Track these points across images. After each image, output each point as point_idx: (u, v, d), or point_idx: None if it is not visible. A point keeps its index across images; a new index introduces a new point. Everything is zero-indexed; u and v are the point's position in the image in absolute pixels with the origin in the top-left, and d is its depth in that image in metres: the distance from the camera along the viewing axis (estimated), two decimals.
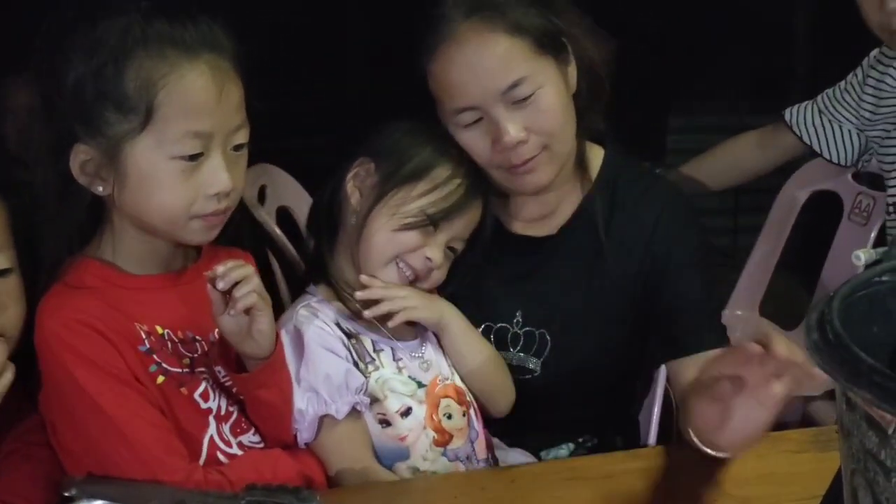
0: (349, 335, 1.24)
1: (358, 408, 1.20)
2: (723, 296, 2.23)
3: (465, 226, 1.29)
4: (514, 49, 1.24)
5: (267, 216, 1.86)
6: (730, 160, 1.83)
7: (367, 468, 1.19)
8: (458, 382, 1.30)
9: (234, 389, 1.17)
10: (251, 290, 1.06)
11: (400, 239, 1.24)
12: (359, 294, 1.23)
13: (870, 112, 1.65)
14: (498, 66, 1.23)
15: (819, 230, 2.38)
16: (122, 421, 1.04)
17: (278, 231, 1.84)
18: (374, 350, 1.25)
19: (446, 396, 1.28)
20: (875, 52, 1.65)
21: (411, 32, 1.30)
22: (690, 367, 1.28)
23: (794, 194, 2.30)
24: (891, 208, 1.58)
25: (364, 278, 1.24)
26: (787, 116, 1.76)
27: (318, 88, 2.88)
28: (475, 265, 1.36)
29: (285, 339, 1.20)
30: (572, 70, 1.31)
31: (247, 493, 0.91)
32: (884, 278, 0.77)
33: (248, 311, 1.07)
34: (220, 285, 1.06)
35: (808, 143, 1.74)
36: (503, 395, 1.34)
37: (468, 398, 1.30)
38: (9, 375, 0.99)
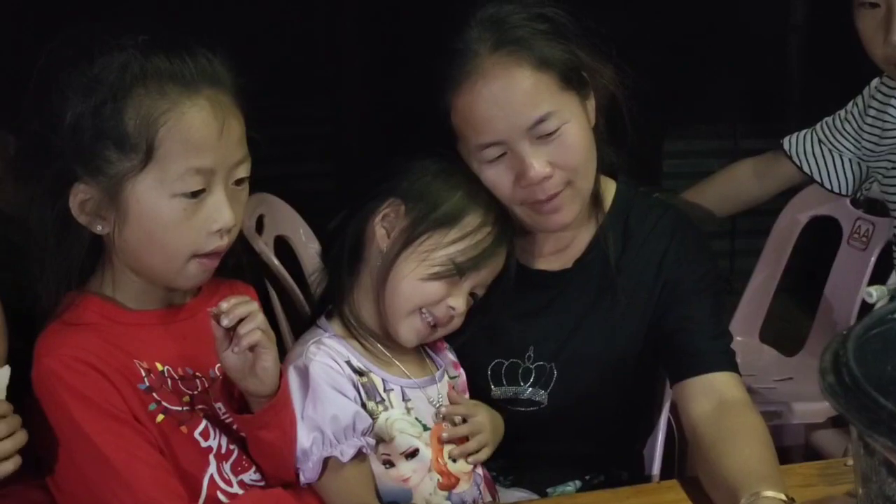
0: (360, 373, 1.22)
1: (364, 450, 1.17)
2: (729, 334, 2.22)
3: (490, 273, 1.27)
4: (541, 84, 1.22)
5: (265, 247, 1.85)
6: (728, 189, 1.82)
7: None
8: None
9: (235, 427, 1.15)
10: (255, 326, 1.05)
11: (427, 289, 1.22)
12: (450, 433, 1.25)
13: (872, 143, 1.64)
14: (525, 101, 1.22)
15: (818, 254, 2.38)
16: (120, 462, 1.02)
17: (277, 262, 1.83)
18: (385, 390, 1.23)
19: (449, 442, 1.26)
20: (875, 81, 1.65)
21: (431, 69, 1.28)
22: (698, 390, 1.27)
23: (794, 218, 2.30)
24: None
25: (448, 411, 1.25)
26: (786, 146, 1.75)
27: (314, 115, 2.88)
28: (492, 307, 1.34)
29: (292, 374, 1.18)
30: (591, 104, 1.30)
31: None
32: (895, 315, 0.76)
33: (252, 348, 1.05)
34: (225, 322, 1.04)
35: (808, 172, 1.73)
36: None
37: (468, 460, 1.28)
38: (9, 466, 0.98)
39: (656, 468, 1.47)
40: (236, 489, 1.12)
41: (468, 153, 1.27)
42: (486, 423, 1.28)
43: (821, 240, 2.38)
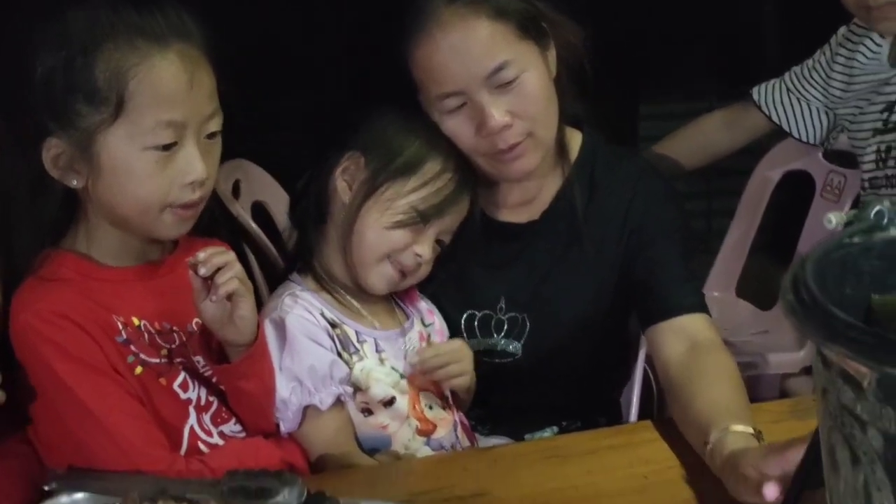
0: (333, 325, 1.24)
1: (342, 398, 1.20)
2: (699, 278, 2.25)
3: (454, 220, 1.29)
4: (498, 33, 1.24)
5: (242, 211, 1.85)
6: (699, 141, 1.83)
7: (349, 453, 1.19)
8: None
9: (214, 380, 1.16)
10: (233, 275, 1.06)
11: (392, 237, 1.24)
12: (418, 363, 1.25)
13: (840, 90, 1.66)
14: (482, 50, 1.23)
15: (792, 210, 2.41)
16: (101, 413, 1.04)
17: (254, 225, 1.83)
18: (358, 340, 1.25)
19: (426, 390, 1.28)
20: (843, 29, 1.66)
21: (389, 21, 1.30)
22: (669, 333, 1.29)
23: (767, 175, 2.32)
24: (866, 184, 1.59)
25: (422, 352, 1.26)
26: (754, 95, 1.77)
27: (293, 86, 2.87)
28: (459, 255, 1.37)
29: (268, 327, 1.20)
30: (552, 55, 1.31)
31: (228, 479, 0.91)
32: (855, 240, 0.78)
33: (229, 297, 1.07)
34: (202, 271, 1.05)
35: (777, 121, 1.75)
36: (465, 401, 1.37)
37: (446, 391, 1.31)
38: None
39: (633, 415, 1.49)
40: (217, 440, 1.13)
41: (429, 104, 1.28)
42: (465, 351, 1.29)
43: (794, 195, 2.42)
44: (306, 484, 0.90)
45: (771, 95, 1.75)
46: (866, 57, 1.60)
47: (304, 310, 1.23)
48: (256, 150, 1.86)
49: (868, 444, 0.62)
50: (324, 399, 1.17)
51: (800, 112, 1.73)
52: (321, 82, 3.12)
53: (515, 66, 1.23)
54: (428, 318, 1.36)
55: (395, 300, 1.36)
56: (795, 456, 0.86)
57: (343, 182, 1.27)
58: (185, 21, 1.09)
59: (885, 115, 1.54)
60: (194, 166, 1.07)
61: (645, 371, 1.56)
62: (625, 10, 3.44)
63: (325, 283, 1.27)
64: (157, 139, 1.05)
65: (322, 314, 1.24)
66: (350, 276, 1.28)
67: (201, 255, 1.05)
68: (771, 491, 0.88)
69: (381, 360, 1.26)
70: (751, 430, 1.06)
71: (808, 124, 1.74)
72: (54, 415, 1.06)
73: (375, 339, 1.26)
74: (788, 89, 1.74)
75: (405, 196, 1.24)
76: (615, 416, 1.51)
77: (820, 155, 2.05)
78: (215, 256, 1.06)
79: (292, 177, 2.13)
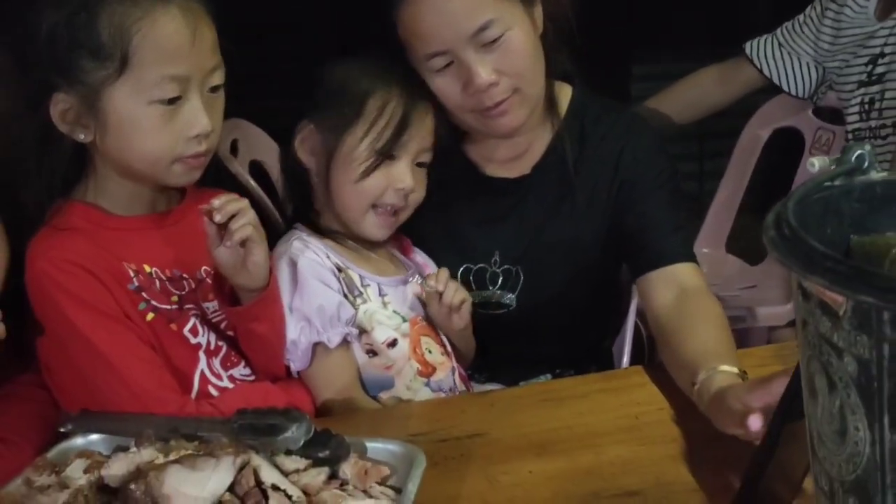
0: (339, 268, 1.28)
1: (348, 339, 1.24)
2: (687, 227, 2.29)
3: (422, 138, 1.30)
4: None
5: (241, 168, 1.88)
6: (693, 95, 1.86)
7: (354, 398, 1.23)
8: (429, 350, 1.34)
9: (224, 325, 1.20)
10: (247, 222, 1.10)
11: (365, 188, 1.26)
12: (433, 285, 1.30)
13: (828, 44, 1.69)
14: (466, 10, 1.25)
15: (782, 168, 2.45)
16: (114, 357, 1.07)
17: (253, 183, 1.87)
18: (362, 284, 1.29)
19: (426, 335, 1.32)
20: None
21: None
22: (659, 282, 1.33)
23: (757, 133, 2.35)
24: (850, 136, 1.63)
25: (432, 283, 1.30)
26: (747, 49, 1.80)
27: (289, 46, 2.88)
28: (453, 211, 1.40)
29: (282, 267, 1.23)
30: (538, 11, 1.33)
31: (238, 417, 0.94)
32: (836, 182, 0.82)
33: (243, 243, 1.10)
34: (217, 218, 1.09)
35: (769, 75, 1.78)
36: (466, 354, 1.42)
37: (443, 341, 1.35)
38: None
39: (625, 363, 1.54)
40: (226, 383, 1.18)
41: (417, 65, 1.30)
42: (463, 288, 1.34)
43: (784, 153, 2.45)
44: (313, 422, 0.93)
45: (763, 50, 1.78)
46: (854, 11, 1.63)
47: (312, 252, 1.26)
48: (253, 110, 1.88)
49: (844, 370, 0.66)
50: (332, 338, 1.21)
51: (791, 66, 1.76)
52: (317, 43, 3.14)
53: (500, 25, 1.25)
54: (425, 270, 1.40)
55: (395, 252, 1.39)
56: (778, 388, 0.90)
57: (305, 153, 1.30)
58: None
59: (870, 67, 1.57)
60: (199, 119, 1.10)
61: (636, 323, 1.61)
62: None
63: (328, 233, 1.31)
64: (161, 93, 1.07)
65: (328, 257, 1.28)
66: (348, 229, 1.31)
67: (216, 202, 1.08)
68: (754, 421, 0.92)
69: (385, 304, 1.29)
70: (736, 371, 1.10)
71: (799, 78, 1.77)
72: (68, 360, 1.09)
73: (379, 284, 1.30)
74: (780, 44, 1.77)
75: (360, 143, 1.25)
76: (607, 365, 1.55)
77: (810, 112, 2.08)
78: (230, 203, 1.09)
79: (289, 136, 2.16)
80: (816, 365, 0.70)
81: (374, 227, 1.30)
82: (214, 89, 1.13)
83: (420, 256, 1.42)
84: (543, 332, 1.44)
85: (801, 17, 1.76)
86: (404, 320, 1.30)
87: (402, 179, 1.27)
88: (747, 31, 1.99)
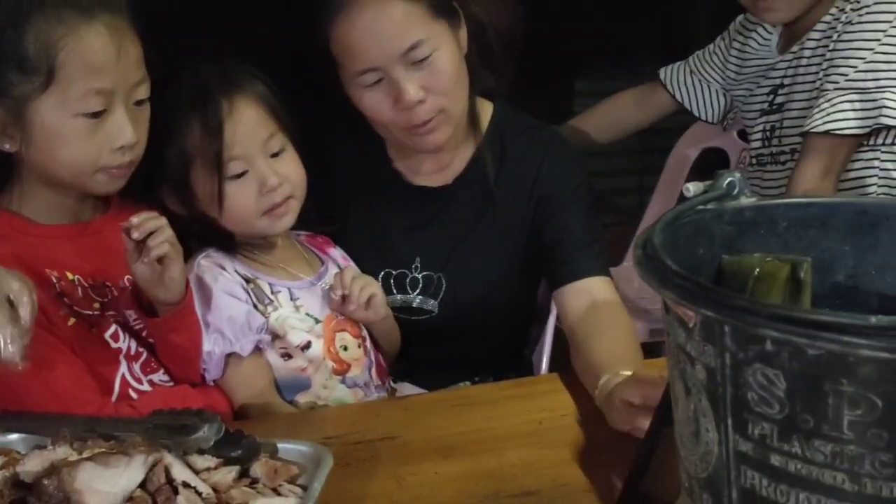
0: (247, 280, 1.33)
1: (260, 346, 1.29)
2: (624, 250, 2.37)
3: (250, 131, 1.28)
4: (412, 13, 1.32)
5: None
6: (612, 116, 1.94)
7: (270, 403, 1.28)
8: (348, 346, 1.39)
9: (145, 332, 1.24)
10: (164, 240, 1.14)
11: (235, 203, 1.28)
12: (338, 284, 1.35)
13: (734, 73, 1.78)
14: (397, 30, 1.31)
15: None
16: (36, 360, 1.10)
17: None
18: (272, 292, 1.34)
19: (341, 330, 1.37)
20: (740, 17, 1.78)
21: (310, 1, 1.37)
22: (573, 294, 1.40)
23: (685, 153, 2.45)
24: (753, 160, 1.72)
25: (338, 292, 1.34)
26: (661, 75, 1.88)
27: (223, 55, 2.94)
28: (377, 218, 1.46)
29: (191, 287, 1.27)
30: (463, 33, 1.40)
31: (153, 417, 0.99)
32: (709, 206, 0.89)
33: (160, 259, 1.15)
34: (135, 235, 1.13)
35: (680, 100, 1.86)
36: (391, 346, 1.47)
37: (362, 332, 1.40)
38: None
39: (543, 371, 1.61)
40: (146, 387, 1.22)
41: (348, 80, 1.36)
42: (372, 280, 1.40)
43: (712, 171, 2.54)
44: (224, 422, 0.98)
45: (676, 76, 1.86)
46: (758, 43, 1.72)
47: (217, 267, 1.31)
48: None
49: (695, 377, 0.73)
50: (244, 347, 1.27)
51: (700, 92, 1.85)
52: (252, 53, 3.19)
53: (428, 45, 1.32)
54: (342, 263, 1.45)
55: (308, 248, 1.44)
56: (652, 383, 0.98)
57: (174, 206, 1.30)
58: None
59: (771, 97, 1.66)
60: (123, 131, 1.14)
61: (559, 331, 1.68)
62: None
63: (234, 249, 1.34)
64: (86, 106, 1.11)
65: (236, 271, 1.32)
66: (251, 238, 1.35)
67: (135, 219, 1.13)
68: (641, 421, 1.01)
69: (297, 308, 1.34)
70: (630, 374, 1.17)
71: (708, 104, 1.85)
72: None
73: (290, 289, 1.35)
74: (691, 71, 1.85)
75: (204, 177, 1.27)
76: (527, 373, 1.62)
77: (734, 134, 2.17)
78: (148, 221, 1.13)
79: None
80: (676, 372, 0.77)
81: (271, 226, 1.31)
82: (139, 102, 1.17)
83: (337, 250, 1.47)
84: (464, 338, 1.50)
85: (711, 46, 1.85)
86: (317, 321, 1.35)
87: (265, 182, 1.27)
88: (688, 49, 2.08)
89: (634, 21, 3.71)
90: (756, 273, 0.85)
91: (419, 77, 1.33)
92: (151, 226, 1.14)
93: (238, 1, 3.16)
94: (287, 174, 1.30)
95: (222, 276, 1.30)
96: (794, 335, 0.63)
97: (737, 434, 0.70)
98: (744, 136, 2.15)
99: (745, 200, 0.91)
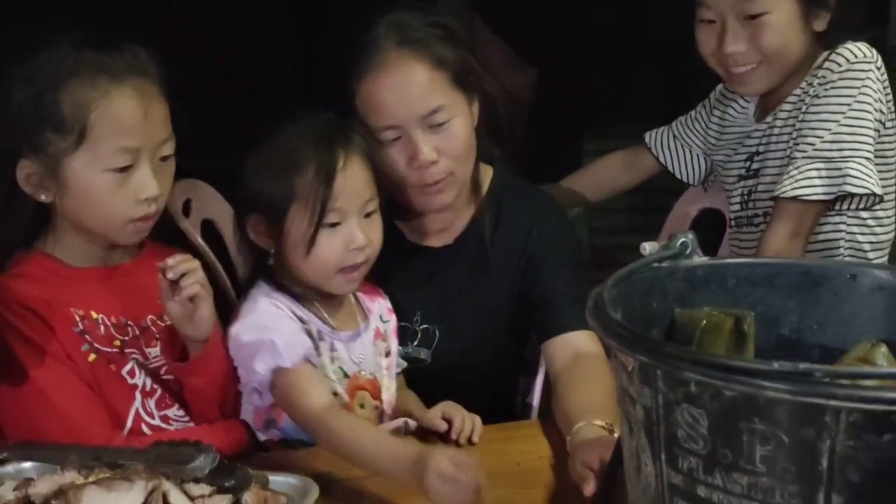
0: (301, 321, 1.36)
1: (311, 359, 1.32)
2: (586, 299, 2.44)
3: (354, 188, 1.33)
4: (436, 80, 1.43)
5: (192, 227, 2.02)
6: (601, 177, 2.03)
7: (337, 413, 1.26)
8: (382, 380, 1.46)
9: (163, 370, 1.33)
10: (195, 281, 1.25)
11: (325, 254, 1.32)
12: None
13: (715, 139, 1.87)
14: (421, 93, 1.41)
15: (706, 243, 2.61)
16: (52, 393, 1.22)
17: (201, 241, 2.01)
18: (318, 339, 1.38)
19: (362, 388, 1.44)
20: (720, 86, 1.88)
21: (337, 57, 1.47)
22: (558, 347, 1.49)
23: (686, 211, 2.53)
24: (732, 223, 1.79)
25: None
26: (646, 139, 1.98)
27: (244, 107, 3.06)
28: (384, 275, 1.54)
29: (246, 328, 1.31)
30: (475, 107, 1.52)
31: (154, 447, 1.08)
32: (663, 264, 0.98)
33: (191, 298, 1.25)
34: (170, 275, 1.24)
35: (664, 163, 1.95)
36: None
37: (383, 396, 1.46)
38: None
39: (533, 418, 1.68)
40: (158, 422, 1.31)
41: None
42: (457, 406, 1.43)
43: (708, 229, 2.63)
44: (219, 454, 1.07)
45: (660, 140, 1.96)
46: (736, 112, 1.81)
47: (274, 307, 1.34)
48: (207, 169, 2.01)
49: (636, 416, 0.81)
50: (294, 359, 1.28)
51: (683, 156, 1.94)
52: (272, 104, 3.32)
53: (448, 111, 1.43)
54: (387, 316, 1.51)
55: (357, 297, 1.48)
56: (606, 448, 1.06)
57: (258, 238, 1.37)
58: (140, 58, 1.27)
59: (748, 163, 1.74)
60: (148, 185, 1.25)
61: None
62: (570, 50, 3.67)
63: (290, 289, 1.37)
64: (114, 163, 1.23)
65: (291, 310, 1.35)
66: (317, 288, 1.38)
67: (170, 261, 1.24)
68: (588, 488, 1.10)
69: (332, 359, 1.39)
70: (602, 424, 1.25)
71: (689, 167, 1.94)
72: (15, 394, 1.23)
73: (333, 341, 1.39)
74: (674, 135, 1.95)
75: (302, 218, 1.31)
76: (517, 419, 1.69)
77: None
78: (182, 263, 1.24)
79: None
80: (622, 413, 0.86)
81: (343, 285, 1.37)
82: (164, 158, 1.29)
83: (385, 301, 1.51)
84: (455, 386, 1.56)
85: (693, 112, 1.94)
86: (346, 376, 1.41)
87: (356, 238, 1.34)
88: (691, 109, 2.16)
89: (640, 81, 3.83)
90: (703, 325, 0.94)
91: (435, 140, 1.43)
92: (184, 267, 1.25)
93: (265, 54, 3.31)
94: (372, 238, 1.36)
95: (279, 312, 1.33)
96: (712, 378, 0.71)
97: (669, 468, 0.78)
98: None
99: (698, 259, 1.00)
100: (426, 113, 1.42)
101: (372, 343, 1.46)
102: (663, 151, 1.94)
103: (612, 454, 1.02)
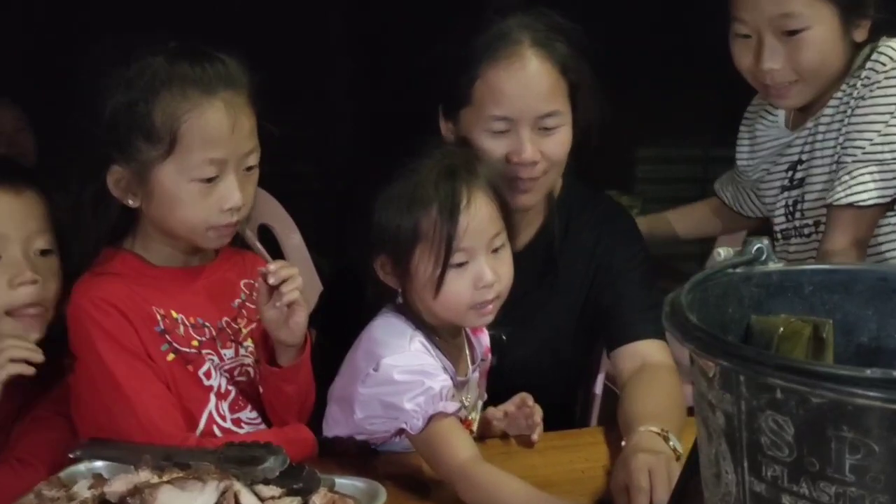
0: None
1: (459, 414, 1.27)
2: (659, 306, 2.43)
3: (480, 223, 1.28)
4: (558, 86, 1.44)
5: (250, 233, 2.04)
6: (692, 224, 1.99)
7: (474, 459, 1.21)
8: (473, 416, 1.44)
9: (237, 372, 1.35)
10: (295, 287, 1.27)
11: (455, 293, 1.27)
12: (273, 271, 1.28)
13: (745, 160, 1.79)
14: (546, 94, 1.43)
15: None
16: (130, 390, 1.24)
17: (261, 247, 2.02)
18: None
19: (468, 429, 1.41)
20: (746, 111, 1.83)
21: (454, 44, 1.47)
22: (626, 356, 1.49)
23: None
24: (778, 236, 1.74)
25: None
26: (716, 186, 1.93)
27: (300, 114, 3.09)
28: None
29: (398, 371, 1.25)
30: (572, 126, 1.50)
31: (226, 449, 1.09)
32: (738, 270, 0.97)
33: (289, 304, 1.26)
34: (271, 280, 1.26)
35: (731, 206, 1.91)
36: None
37: (473, 427, 1.44)
38: (38, 357, 1.22)
39: (593, 423, 1.68)
40: (230, 425, 1.33)
41: (475, 120, 1.44)
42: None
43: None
44: (288, 456, 1.07)
45: (724, 186, 1.92)
46: (764, 126, 1.75)
47: (425, 350, 1.31)
48: (264, 174, 2.04)
49: (716, 423, 0.80)
50: (450, 408, 1.24)
51: (746, 195, 1.88)
52: (331, 110, 3.34)
53: (559, 118, 1.44)
54: (486, 355, 1.47)
55: (469, 338, 1.44)
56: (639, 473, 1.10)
57: (386, 277, 1.33)
58: (231, 70, 1.29)
59: (790, 173, 1.69)
60: (232, 195, 1.27)
61: (608, 389, 1.75)
62: (626, 61, 3.65)
63: (427, 324, 1.33)
64: (201, 173, 1.25)
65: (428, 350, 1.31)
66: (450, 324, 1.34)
67: (272, 266, 1.27)
68: None
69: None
70: (658, 430, 1.26)
71: (751, 205, 1.89)
72: (91, 388, 1.25)
73: (450, 388, 1.31)
74: (733, 177, 1.90)
75: (428, 260, 1.26)
76: (574, 425, 1.68)
77: None
78: (283, 269, 1.27)
79: (297, 201, 2.30)
80: (700, 419, 0.85)
81: (476, 320, 1.33)
82: (249, 168, 1.31)
83: (486, 338, 1.47)
84: (515, 392, 1.58)
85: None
86: (462, 421, 1.34)
87: (482, 278, 1.28)
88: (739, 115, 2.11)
89: (694, 89, 3.79)
90: (781, 331, 0.92)
91: (540, 141, 1.44)
92: (285, 273, 1.27)
93: (326, 64, 3.33)
94: (501, 273, 1.31)
95: (430, 357, 1.30)
96: (798, 384, 0.70)
97: (752, 476, 0.77)
98: None
99: (773, 265, 0.98)
100: (543, 114, 1.43)
101: (476, 386, 1.44)
102: (727, 195, 1.91)
103: (685, 461, 1.01)
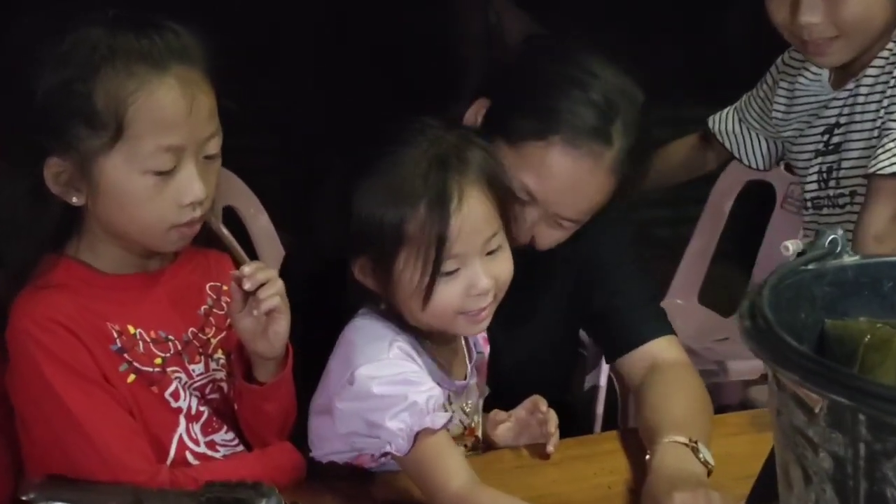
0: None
1: (447, 427, 1.14)
2: (663, 286, 2.31)
3: (472, 227, 1.13)
4: (603, 189, 1.27)
5: (217, 222, 1.86)
6: (671, 164, 1.86)
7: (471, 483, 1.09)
8: (476, 420, 1.30)
9: (208, 389, 1.18)
10: (275, 292, 1.09)
11: (442, 300, 1.12)
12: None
13: (783, 113, 1.67)
14: (586, 196, 1.27)
15: (754, 220, 2.47)
16: (86, 420, 1.06)
17: (226, 231, 1.85)
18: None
19: (473, 435, 1.29)
20: (785, 55, 1.69)
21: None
22: (635, 361, 1.36)
23: (730, 185, 2.39)
24: (808, 204, 1.63)
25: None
26: (710, 125, 1.81)
27: (262, 89, 2.89)
28: None
29: (380, 383, 1.11)
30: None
31: (206, 490, 0.93)
32: (809, 267, 0.83)
33: (268, 312, 1.09)
34: (247, 286, 1.08)
35: (730, 150, 1.79)
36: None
37: (478, 432, 1.30)
38: None
39: (598, 427, 1.56)
40: (203, 449, 1.15)
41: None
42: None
43: (756, 205, 2.48)
44: (281, 497, 0.92)
45: (724, 124, 1.79)
46: (808, 79, 1.63)
47: (408, 360, 1.15)
48: (224, 148, 1.87)
49: (819, 465, 0.66)
50: (437, 421, 1.10)
51: (749, 141, 1.77)
52: (292, 87, 3.15)
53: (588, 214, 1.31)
54: (481, 347, 1.33)
55: (467, 341, 1.30)
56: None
57: (366, 280, 1.17)
58: (184, 42, 1.09)
59: (826, 136, 1.57)
60: (192, 188, 1.07)
61: (611, 381, 1.63)
62: (604, 24, 3.49)
63: (407, 327, 1.18)
64: (156, 164, 1.06)
65: (413, 359, 1.17)
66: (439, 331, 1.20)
67: (247, 269, 1.08)
68: None
69: (445, 409, 1.18)
70: (685, 441, 1.13)
71: (758, 152, 1.76)
72: (44, 419, 1.08)
73: (450, 392, 1.22)
74: (740, 118, 1.78)
75: (414, 267, 1.11)
76: (566, 416, 1.54)
77: (782, 167, 2.09)
78: (259, 272, 1.08)
79: (261, 180, 2.13)
80: (791, 456, 0.71)
81: (467, 328, 1.18)
82: (210, 157, 1.11)
83: (481, 335, 1.32)
84: (513, 389, 1.43)
85: (754, 90, 1.77)
86: (466, 428, 1.26)
87: (480, 282, 1.13)
88: (721, 78, 1.99)
89: (665, 49, 3.66)
90: (867, 340, 0.78)
91: (558, 234, 1.32)
92: (263, 277, 1.09)
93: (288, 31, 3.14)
94: (498, 274, 1.15)
95: (413, 364, 1.15)
96: None
97: None
98: (790, 169, 2.08)
99: (848, 259, 0.84)
100: (569, 216, 1.31)
101: (476, 388, 1.30)
102: (728, 137, 1.77)
103: (755, 484, 0.87)
